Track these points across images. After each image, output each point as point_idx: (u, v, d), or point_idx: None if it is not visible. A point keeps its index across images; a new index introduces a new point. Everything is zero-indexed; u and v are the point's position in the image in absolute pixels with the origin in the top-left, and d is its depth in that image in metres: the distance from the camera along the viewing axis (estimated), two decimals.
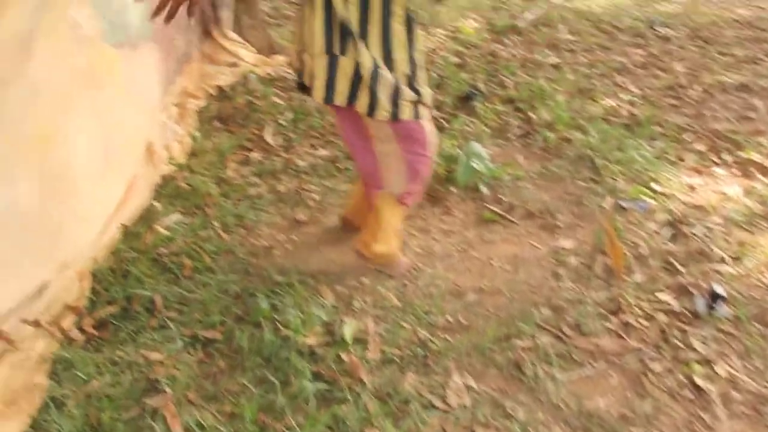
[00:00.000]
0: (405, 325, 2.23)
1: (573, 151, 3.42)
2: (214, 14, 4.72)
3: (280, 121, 3.87)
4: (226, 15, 4.76)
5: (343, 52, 1.96)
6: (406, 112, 1.98)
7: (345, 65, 1.97)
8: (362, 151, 2.22)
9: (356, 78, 1.96)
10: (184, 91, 4.25)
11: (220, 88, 4.43)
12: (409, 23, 1.93)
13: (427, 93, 2.07)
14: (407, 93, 1.98)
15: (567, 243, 2.68)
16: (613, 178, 3.13)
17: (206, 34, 4.70)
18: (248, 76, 4.55)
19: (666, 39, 5.79)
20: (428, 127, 2.12)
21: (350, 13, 1.88)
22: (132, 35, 3.14)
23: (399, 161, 2.13)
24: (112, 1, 2.95)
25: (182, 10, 1.88)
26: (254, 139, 3.72)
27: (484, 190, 3.04)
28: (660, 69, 4.89)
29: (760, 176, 3.20)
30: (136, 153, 3.20)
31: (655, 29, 6.03)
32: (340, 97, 2.00)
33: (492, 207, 2.93)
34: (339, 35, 1.94)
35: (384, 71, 1.93)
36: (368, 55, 1.91)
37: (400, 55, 1.96)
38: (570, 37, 5.81)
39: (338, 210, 2.91)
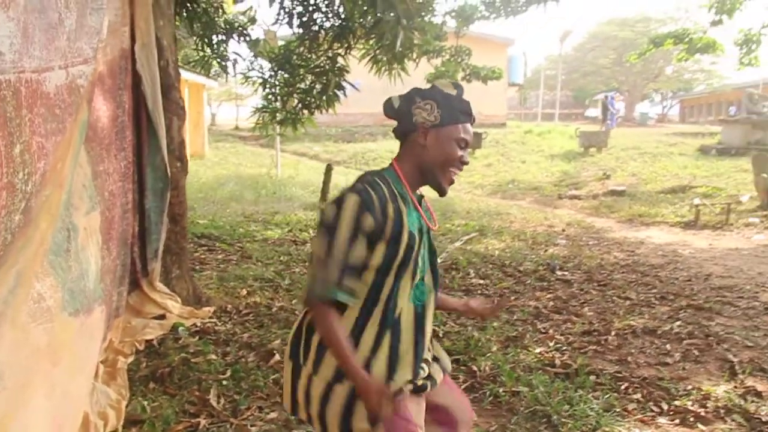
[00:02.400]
0: None
1: (524, 406, 3.48)
2: (143, 265, 4.67)
3: (223, 381, 3.71)
4: (156, 265, 4.71)
5: None
6: None
7: None
8: None
9: None
10: (111, 347, 4.04)
11: (149, 343, 4.26)
12: None
13: None
14: None
15: None
16: None
17: (134, 285, 4.61)
18: (178, 330, 4.43)
19: (567, 282, 6.29)
20: None
21: None
22: (88, 300, 3.03)
23: None
24: (71, 268, 2.87)
25: None
26: (197, 402, 3.51)
27: None
28: (573, 314, 5.25)
29: (699, 426, 3.37)
30: (76, 429, 2.93)
31: (555, 273, 6.56)
32: None
33: None
34: None
35: None
36: None
37: None
38: (481, 281, 6.18)
39: None
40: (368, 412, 1.72)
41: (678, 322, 5.07)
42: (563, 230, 10.01)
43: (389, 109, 1.90)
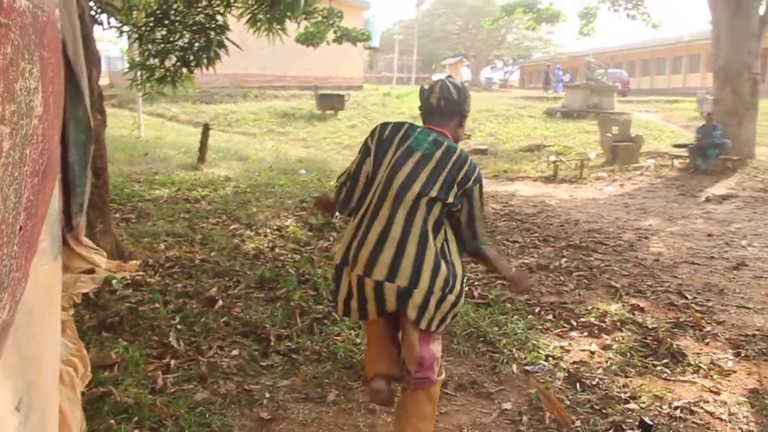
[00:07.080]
0: None
1: (461, 329, 3.94)
2: (68, 221, 4.61)
3: (177, 326, 3.85)
4: (81, 220, 4.66)
5: None
6: None
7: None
8: None
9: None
10: None
11: (85, 297, 4.26)
12: None
13: None
14: None
15: (507, 405, 3.11)
16: (509, 349, 3.69)
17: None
18: (111, 283, 4.46)
19: None
20: None
21: None
22: (58, 246, 3.06)
23: None
24: (48, 212, 2.90)
25: None
26: (156, 345, 3.64)
27: None
28: None
29: (604, 335, 4.02)
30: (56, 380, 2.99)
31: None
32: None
33: None
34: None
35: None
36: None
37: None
38: None
39: (296, 406, 3.02)
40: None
41: (564, 259, 5.78)
42: None
43: (447, 92, 2.40)
